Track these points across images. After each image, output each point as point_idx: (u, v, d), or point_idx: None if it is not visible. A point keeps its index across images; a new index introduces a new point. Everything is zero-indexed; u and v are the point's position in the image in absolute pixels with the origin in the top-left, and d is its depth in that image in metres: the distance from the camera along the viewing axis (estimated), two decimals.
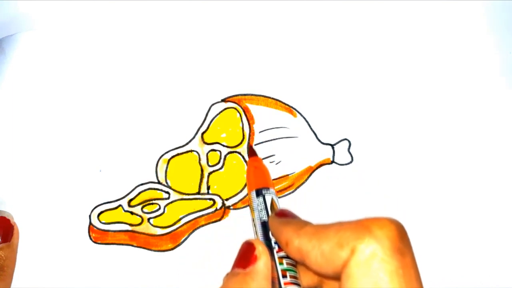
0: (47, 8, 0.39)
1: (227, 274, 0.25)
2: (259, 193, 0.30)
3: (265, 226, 0.29)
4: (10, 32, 0.38)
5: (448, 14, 0.38)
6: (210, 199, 0.35)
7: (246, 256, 0.26)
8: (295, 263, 0.26)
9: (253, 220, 0.30)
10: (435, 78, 0.37)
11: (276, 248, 0.26)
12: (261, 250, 0.26)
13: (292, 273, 0.25)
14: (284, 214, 0.27)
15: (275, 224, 0.27)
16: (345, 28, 0.38)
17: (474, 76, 0.37)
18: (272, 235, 0.27)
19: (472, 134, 0.36)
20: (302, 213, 0.34)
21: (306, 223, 0.25)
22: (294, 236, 0.24)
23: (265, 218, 0.29)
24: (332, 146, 0.36)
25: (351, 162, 0.36)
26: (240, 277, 0.24)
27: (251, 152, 0.35)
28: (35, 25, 0.39)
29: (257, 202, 0.30)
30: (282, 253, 0.26)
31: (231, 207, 0.35)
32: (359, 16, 0.38)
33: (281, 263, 0.26)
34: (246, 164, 0.35)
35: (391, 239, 0.20)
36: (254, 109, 0.37)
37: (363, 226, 0.21)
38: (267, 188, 0.31)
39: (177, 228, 0.35)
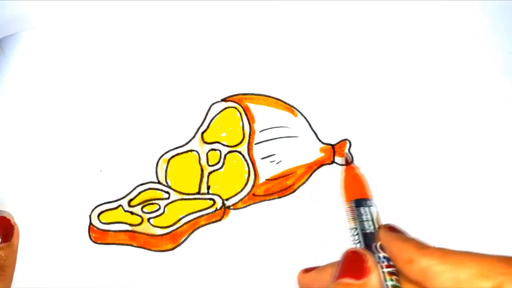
0: (46, 8, 0.39)
1: (336, 283, 0.25)
2: (362, 203, 0.30)
3: (368, 237, 0.28)
4: (9, 32, 0.38)
5: (448, 14, 0.38)
6: (210, 199, 0.35)
7: (356, 266, 0.25)
8: (399, 280, 0.25)
9: (355, 230, 0.29)
10: (435, 78, 0.37)
11: (385, 262, 0.26)
12: (373, 262, 0.25)
13: None
14: (396, 229, 0.27)
15: (389, 239, 0.26)
16: (345, 28, 0.38)
17: (474, 76, 0.37)
18: (384, 250, 0.26)
19: (473, 134, 0.36)
20: (302, 213, 0.35)
21: (425, 243, 0.24)
22: (418, 255, 0.23)
23: (370, 229, 0.29)
24: (333, 146, 0.36)
25: (351, 162, 0.35)
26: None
27: (349, 160, 0.34)
28: (34, 25, 0.39)
29: (361, 212, 0.29)
30: (391, 269, 0.25)
31: (231, 207, 0.35)
32: (360, 16, 0.38)
33: (390, 279, 0.25)
34: (343, 172, 0.34)
35: None
36: (254, 108, 0.37)
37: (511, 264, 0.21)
38: (369, 199, 0.30)
39: (177, 228, 0.35)
